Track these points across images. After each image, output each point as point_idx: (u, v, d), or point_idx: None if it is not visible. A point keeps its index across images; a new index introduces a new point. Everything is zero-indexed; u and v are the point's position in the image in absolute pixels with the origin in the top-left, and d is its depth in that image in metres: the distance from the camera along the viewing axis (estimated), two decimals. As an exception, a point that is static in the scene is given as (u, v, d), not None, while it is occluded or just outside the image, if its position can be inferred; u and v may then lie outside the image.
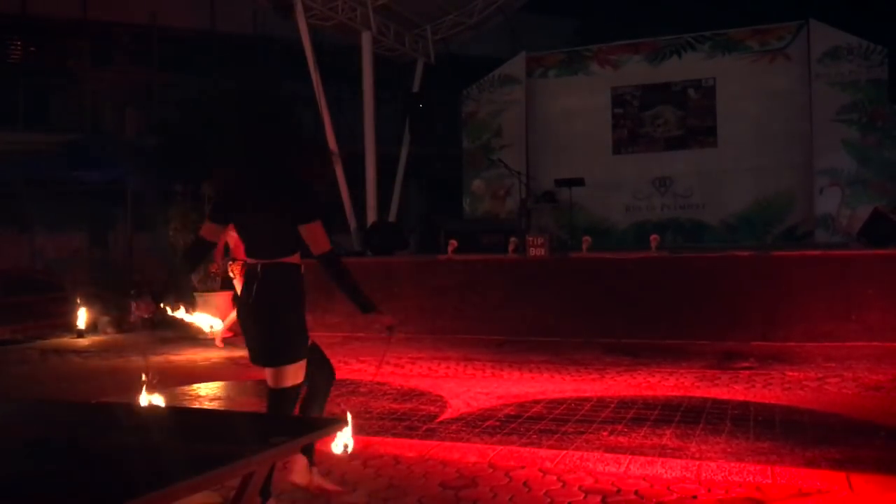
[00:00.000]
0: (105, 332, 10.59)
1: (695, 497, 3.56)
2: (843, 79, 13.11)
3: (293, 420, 3.30)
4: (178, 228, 9.92)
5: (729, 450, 4.38)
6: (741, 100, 14.06)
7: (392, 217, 14.80)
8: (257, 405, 5.60)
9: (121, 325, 10.96)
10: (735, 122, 14.12)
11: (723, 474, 3.84)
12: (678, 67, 14.59)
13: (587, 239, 9.96)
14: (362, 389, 6.39)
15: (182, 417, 3.13)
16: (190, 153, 16.79)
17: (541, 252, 9.49)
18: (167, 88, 20.12)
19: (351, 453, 4.31)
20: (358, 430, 4.91)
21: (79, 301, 10.81)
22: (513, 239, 10.26)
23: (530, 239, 9.66)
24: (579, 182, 12.59)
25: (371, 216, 13.53)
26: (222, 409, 5.90)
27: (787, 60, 13.89)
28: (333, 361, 7.81)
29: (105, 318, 10.85)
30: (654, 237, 9.74)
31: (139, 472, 1.93)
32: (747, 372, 6.68)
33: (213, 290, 9.97)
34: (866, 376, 6.29)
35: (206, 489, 2.68)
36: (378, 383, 6.63)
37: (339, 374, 7.04)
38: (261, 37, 19.68)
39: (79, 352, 9.27)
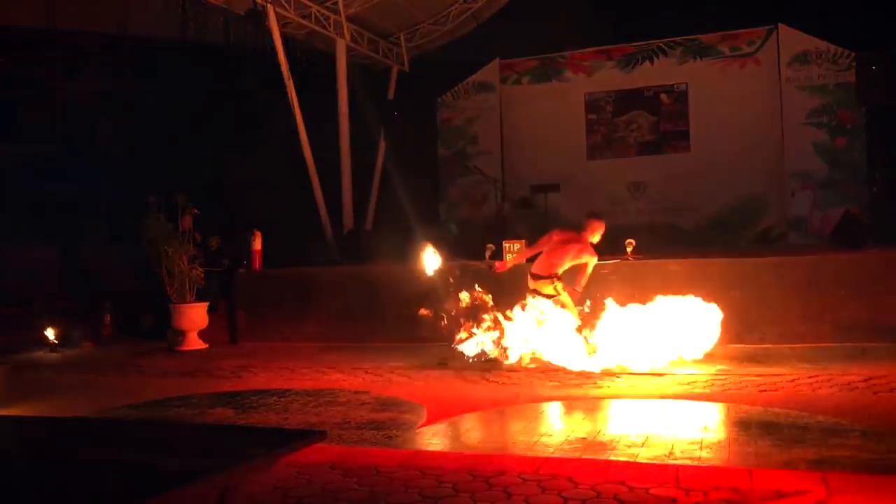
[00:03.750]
0: (78, 346, 10.45)
1: (674, 500, 3.57)
2: (813, 83, 13.30)
3: (270, 432, 3.28)
4: (153, 240, 9.81)
5: (707, 452, 4.40)
6: (713, 104, 14.21)
7: (369, 225, 14.77)
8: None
9: (94, 338, 10.83)
10: (707, 126, 14.26)
11: (701, 477, 3.86)
12: (650, 73, 14.73)
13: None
14: (341, 399, 6.36)
15: (157, 432, 3.10)
16: (163, 163, 16.69)
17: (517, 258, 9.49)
18: (139, 98, 19.96)
19: (331, 463, 4.28)
20: (337, 441, 4.89)
21: (51, 315, 10.68)
22: (489, 245, 10.26)
23: (507, 245, 9.66)
24: (555, 188, 12.64)
25: (347, 224, 13.50)
26: (200, 422, 5.84)
27: (757, 65, 14.06)
28: (311, 372, 7.83)
29: (78, 332, 10.71)
30: (629, 242, 9.79)
31: (113, 489, 1.91)
32: (723, 374, 6.72)
33: (189, 302, 9.87)
34: (840, 377, 6.35)
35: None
36: (356, 392, 6.60)
37: (316, 384, 7.05)
38: (234, 45, 19.57)
39: (52, 366, 9.14)
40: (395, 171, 15.71)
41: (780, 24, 13.72)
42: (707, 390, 6.14)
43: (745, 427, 4.95)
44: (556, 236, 7.79)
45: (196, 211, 10.13)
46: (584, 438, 4.80)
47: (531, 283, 7.69)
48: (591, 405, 5.80)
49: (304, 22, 13.03)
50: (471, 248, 11.39)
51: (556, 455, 4.43)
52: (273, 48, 12.57)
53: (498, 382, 6.87)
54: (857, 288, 8.16)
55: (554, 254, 7.69)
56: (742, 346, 8.12)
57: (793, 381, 6.31)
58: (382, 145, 15.33)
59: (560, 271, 7.63)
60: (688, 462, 4.21)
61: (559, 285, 7.57)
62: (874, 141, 13.15)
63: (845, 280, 8.23)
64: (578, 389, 6.43)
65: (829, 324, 8.15)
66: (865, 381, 6.17)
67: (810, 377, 6.40)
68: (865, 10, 12.84)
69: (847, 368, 6.68)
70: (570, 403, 5.86)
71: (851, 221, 10.04)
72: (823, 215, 12.91)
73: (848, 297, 8.16)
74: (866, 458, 4.13)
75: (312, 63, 13.72)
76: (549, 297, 7.50)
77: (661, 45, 14.70)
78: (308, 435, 2.47)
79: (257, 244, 10.65)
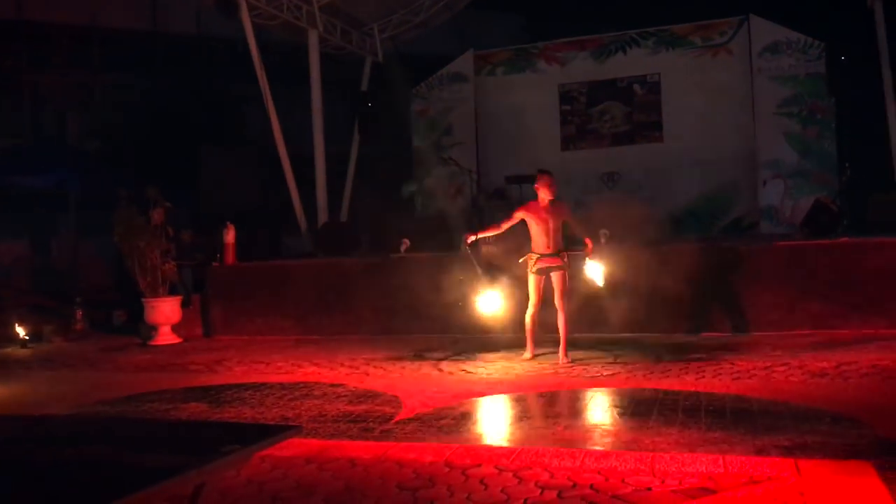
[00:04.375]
0: (49, 341, 10.33)
1: (649, 489, 3.60)
2: (784, 73, 13.41)
3: (245, 427, 3.26)
4: (123, 234, 9.71)
5: (681, 440, 4.44)
6: (685, 94, 14.28)
7: (343, 217, 14.71)
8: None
9: (66, 333, 10.71)
10: (680, 116, 14.33)
11: (676, 465, 3.89)
12: (623, 63, 14.76)
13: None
14: (316, 392, 6.34)
15: (130, 428, 3.07)
16: (134, 156, 16.51)
17: (493, 249, 9.51)
18: (109, 91, 19.72)
19: (306, 457, 4.27)
20: (313, 434, 4.87)
21: (22, 310, 10.55)
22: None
23: (482, 235, 9.66)
24: (529, 178, 12.63)
25: (322, 217, 13.43)
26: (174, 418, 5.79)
27: (729, 55, 14.15)
28: (286, 365, 7.81)
29: (49, 327, 10.58)
30: (603, 232, 9.83)
31: (83, 488, 1.88)
32: (697, 363, 6.79)
33: (161, 297, 9.79)
34: (811, 364, 6.44)
35: (155, 502, 2.62)
36: (332, 385, 6.58)
37: (292, 378, 7.03)
38: (205, 37, 19.37)
39: (22, 362, 9.02)
40: (369, 162, 15.67)
41: (751, 15, 13.82)
42: (679, 379, 6.19)
43: (719, 415, 5.00)
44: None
45: (168, 204, 10.04)
46: (560, 428, 4.82)
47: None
48: (565, 395, 5.83)
49: (276, 12, 12.91)
50: (446, 239, 11.37)
51: (533, 445, 4.44)
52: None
53: (474, 373, 6.88)
54: (827, 276, 8.27)
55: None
56: (716, 334, 8.20)
57: (766, 368, 6.39)
58: (356, 137, 15.26)
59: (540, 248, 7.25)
60: (663, 450, 4.24)
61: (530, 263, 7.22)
62: (844, 130, 13.30)
63: (816, 269, 8.33)
64: (554, 379, 6.46)
65: (800, 312, 8.25)
66: (836, 367, 6.26)
67: (783, 365, 6.49)
68: (834, 1, 13.01)
69: (818, 356, 6.78)
70: (546, 393, 5.88)
71: (822, 210, 10.15)
72: (794, 204, 13.04)
73: (818, 285, 8.27)
74: (837, 444, 4.19)
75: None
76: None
77: (633, 35, 14.74)
78: (283, 429, 2.46)
79: (230, 237, 10.58)
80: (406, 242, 10.47)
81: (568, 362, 7.10)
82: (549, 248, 7.20)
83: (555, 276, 7.21)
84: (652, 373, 6.50)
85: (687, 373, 6.41)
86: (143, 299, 9.77)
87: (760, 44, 13.58)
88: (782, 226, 13.08)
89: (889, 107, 11.74)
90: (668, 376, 6.31)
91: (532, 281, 7.24)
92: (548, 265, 7.21)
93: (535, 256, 7.24)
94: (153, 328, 9.83)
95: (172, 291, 10.05)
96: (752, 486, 3.55)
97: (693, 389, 5.77)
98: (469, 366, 7.22)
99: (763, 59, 13.53)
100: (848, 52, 11.93)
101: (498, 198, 12.93)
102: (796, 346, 7.32)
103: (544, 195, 7.41)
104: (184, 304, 10.14)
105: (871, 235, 9.80)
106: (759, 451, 4.15)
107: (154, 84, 19.17)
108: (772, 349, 7.26)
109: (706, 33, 14.34)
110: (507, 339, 8.47)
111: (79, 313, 11.13)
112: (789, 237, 10.37)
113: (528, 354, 7.42)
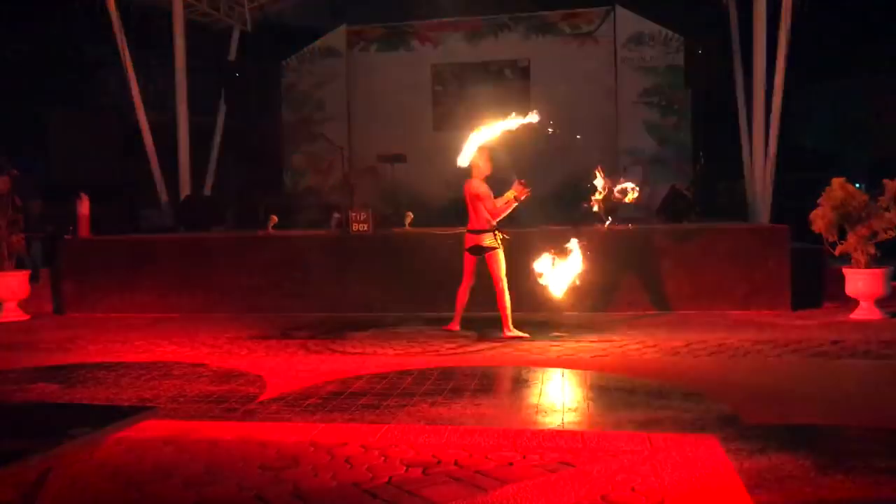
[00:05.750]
0: None
1: (511, 464, 3.69)
2: (645, 64, 14.01)
3: (96, 409, 3.10)
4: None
5: (542, 417, 4.58)
6: (553, 80, 14.64)
7: (207, 191, 14.24)
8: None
9: None
10: (547, 102, 14.65)
11: (537, 440, 4.02)
12: (495, 47, 14.99)
13: (409, 214, 10.04)
14: (176, 372, 6.11)
15: (-33, 412, 2.86)
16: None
17: (364, 227, 9.47)
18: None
19: (164, 439, 4.11)
20: (172, 415, 4.70)
21: None
22: (335, 214, 10.17)
23: (353, 214, 9.60)
24: (401, 158, 12.65)
25: (185, 190, 12.94)
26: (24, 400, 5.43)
27: (595, 44, 14.63)
28: (144, 344, 7.50)
29: None
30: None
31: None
32: (557, 341, 7.01)
33: (7, 270, 9.17)
34: (664, 342, 6.78)
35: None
36: (193, 365, 6.36)
37: (150, 357, 6.76)
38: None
39: None
40: (236, 135, 15.21)
41: (617, 6, 14.32)
42: (542, 356, 6.37)
43: (577, 391, 5.19)
44: None
45: (15, 172, 9.39)
46: (426, 405, 4.86)
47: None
48: (431, 373, 5.88)
49: (138, -26, 12.28)
50: (316, 216, 11.23)
51: (399, 423, 4.46)
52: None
53: (343, 352, 6.84)
54: (679, 259, 8.71)
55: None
56: (575, 313, 8.47)
57: (621, 347, 6.68)
58: (222, 108, 14.76)
59: (492, 221, 7.71)
60: (525, 426, 4.36)
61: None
62: (698, 121, 14.05)
63: (669, 252, 8.76)
64: (421, 357, 6.51)
65: (654, 293, 8.67)
66: (687, 346, 6.62)
67: (638, 343, 6.80)
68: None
69: (671, 335, 7.14)
70: (415, 372, 5.92)
71: (677, 197, 10.71)
72: (652, 190, 13.66)
73: (672, 268, 8.70)
74: (687, 418, 4.43)
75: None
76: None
77: (506, 20, 14.98)
78: (138, 411, 2.35)
79: (84, 209, 10.02)
80: (273, 219, 10.25)
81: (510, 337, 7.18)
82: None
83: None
84: (516, 350, 6.66)
85: (548, 350, 6.61)
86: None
87: (625, 34, 14.12)
88: (640, 210, 13.68)
89: (740, 100, 12.48)
90: (530, 354, 6.49)
91: (500, 255, 7.42)
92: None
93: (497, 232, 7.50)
94: (-3, 304, 9.22)
95: (20, 265, 9.44)
96: (608, 459, 3.71)
97: (554, 366, 5.95)
98: (336, 345, 7.16)
99: (626, 50, 14.07)
100: (704, 46, 12.58)
101: (369, 175, 12.87)
102: (651, 326, 7.70)
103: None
104: (32, 279, 9.54)
105: (720, 221, 10.42)
106: (615, 426, 4.33)
107: (2, 42, 17.83)
108: (628, 328, 7.60)
109: (574, 21, 14.75)
110: (374, 318, 8.47)
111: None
112: (646, 222, 10.86)
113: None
